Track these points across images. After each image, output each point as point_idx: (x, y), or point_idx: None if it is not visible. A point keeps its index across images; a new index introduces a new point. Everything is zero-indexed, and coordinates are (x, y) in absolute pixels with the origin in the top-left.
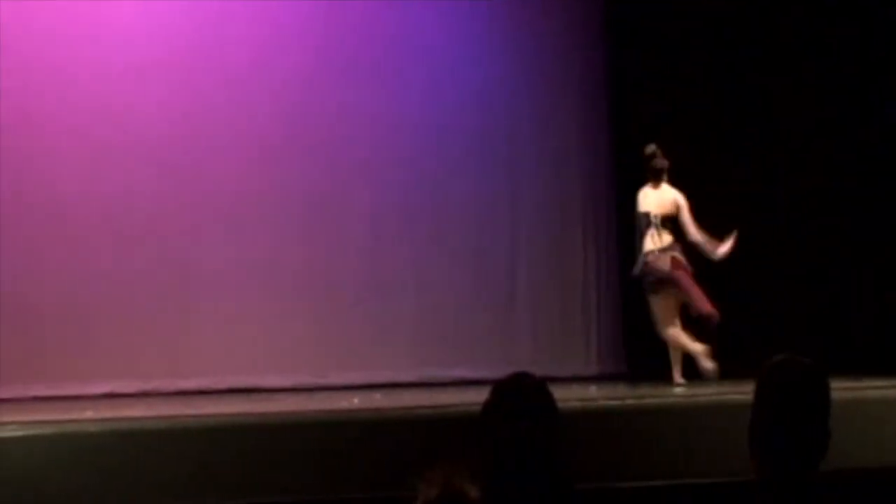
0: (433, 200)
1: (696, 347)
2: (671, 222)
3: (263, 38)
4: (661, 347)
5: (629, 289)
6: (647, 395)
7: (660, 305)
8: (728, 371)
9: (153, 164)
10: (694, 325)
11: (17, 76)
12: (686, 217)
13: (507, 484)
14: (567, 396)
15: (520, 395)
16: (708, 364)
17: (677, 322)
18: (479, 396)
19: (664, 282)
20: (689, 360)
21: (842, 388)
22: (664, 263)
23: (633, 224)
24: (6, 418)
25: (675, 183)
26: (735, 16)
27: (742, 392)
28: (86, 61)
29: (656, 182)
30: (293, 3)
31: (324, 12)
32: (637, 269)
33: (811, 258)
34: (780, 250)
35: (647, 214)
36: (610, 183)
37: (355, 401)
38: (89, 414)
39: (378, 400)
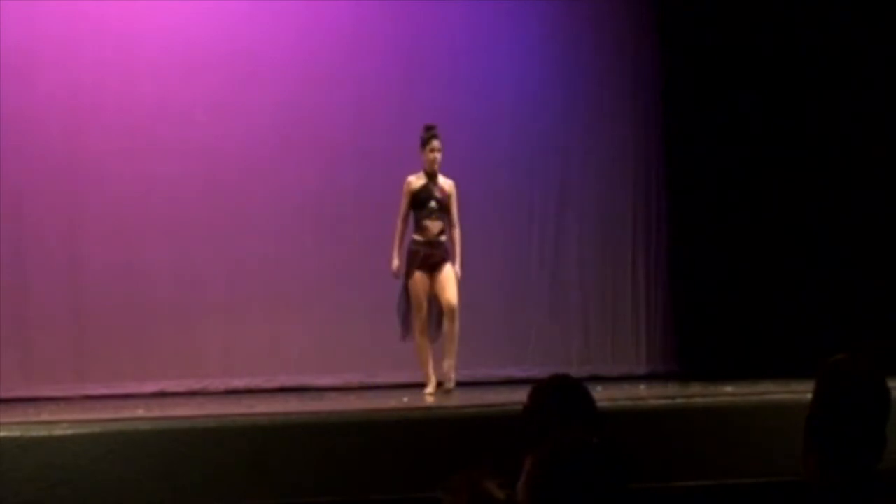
0: (482, 199)
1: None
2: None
3: (309, 38)
4: (713, 346)
5: (680, 288)
6: (697, 395)
7: None
8: (780, 370)
9: (203, 161)
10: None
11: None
12: None
13: (546, 485)
14: (617, 395)
15: (558, 396)
16: None
17: None
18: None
19: None
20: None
21: None
22: None
23: (683, 224)
24: (58, 417)
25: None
26: (787, 21)
27: (792, 391)
28: (110, 62)
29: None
30: (345, 3)
31: (368, 11)
32: None
33: (872, 257)
34: (840, 250)
35: None
36: (660, 183)
37: (405, 400)
38: (140, 412)
39: (427, 399)
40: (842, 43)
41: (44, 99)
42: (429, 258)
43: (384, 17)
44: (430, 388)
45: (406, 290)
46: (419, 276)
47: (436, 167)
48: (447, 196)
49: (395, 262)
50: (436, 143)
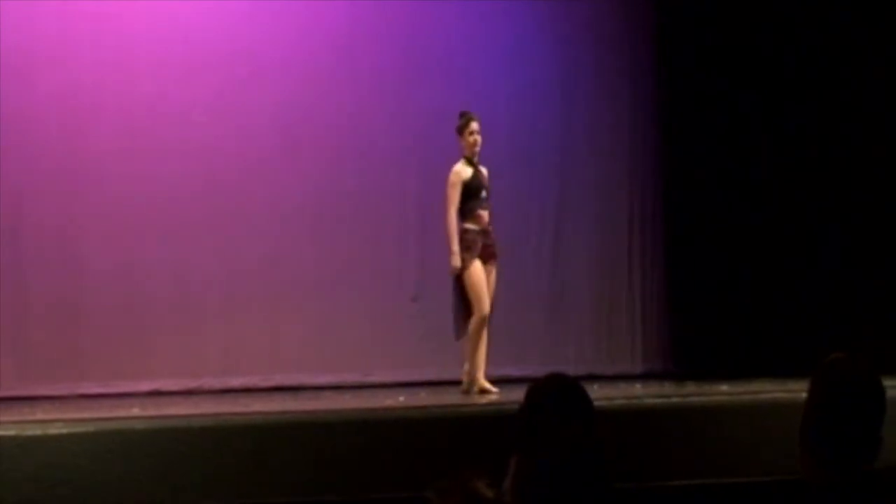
0: None
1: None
2: None
3: (309, 37)
4: (709, 345)
5: (676, 287)
6: (693, 394)
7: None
8: (777, 370)
9: (203, 161)
10: None
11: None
12: None
13: (541, 484)
14: (613, 395)
15: (555, 395)
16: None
17: None
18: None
19: None
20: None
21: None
22: None
23: (680, 224)
24: (54, 416)
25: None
26: (787, 21)
27: (788, 390)
28: (111, 61)
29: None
30: (345, 3)
31: (368, 11)
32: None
33: (872, 257)
34: (840, 250)
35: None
36: (657, 182)
37: (401, 398)
38: (136, 411)
39: (423, 398)
40: (842, 43)
41: (44, 99)
42: (487, 248)
43: (384, 18)
44: (466, 386)
45: (461, 285)
46: (479, 266)
47: (476, 150)
48: (490, 184)
49: (458, 259)
50: (475, 126)
